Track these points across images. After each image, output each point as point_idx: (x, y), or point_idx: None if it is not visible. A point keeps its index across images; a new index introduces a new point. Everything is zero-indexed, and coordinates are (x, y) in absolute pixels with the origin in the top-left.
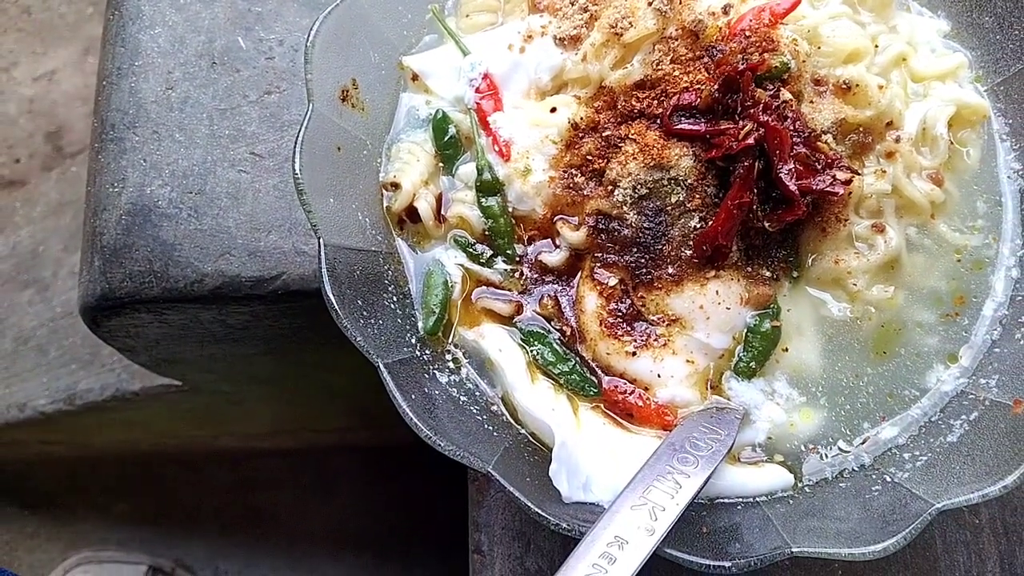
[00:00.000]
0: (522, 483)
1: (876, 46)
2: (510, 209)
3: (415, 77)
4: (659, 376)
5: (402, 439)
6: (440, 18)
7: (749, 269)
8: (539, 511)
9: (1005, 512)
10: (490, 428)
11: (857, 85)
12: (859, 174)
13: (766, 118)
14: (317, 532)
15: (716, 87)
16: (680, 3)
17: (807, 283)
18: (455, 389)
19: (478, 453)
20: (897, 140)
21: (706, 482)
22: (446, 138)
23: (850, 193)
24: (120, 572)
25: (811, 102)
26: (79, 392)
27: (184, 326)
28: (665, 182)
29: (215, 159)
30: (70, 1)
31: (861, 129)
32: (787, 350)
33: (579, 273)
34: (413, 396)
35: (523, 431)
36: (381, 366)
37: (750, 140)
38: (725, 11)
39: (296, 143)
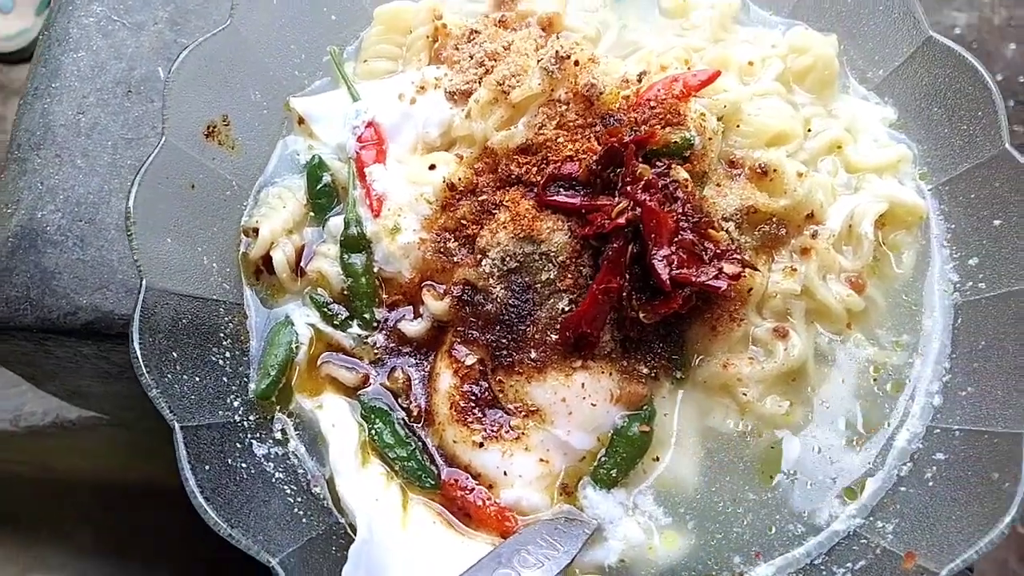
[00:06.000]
0: None
1: (809, 130)
2: (375, 269)
3: (301, 120)
4: (506, 474)
5: None
6: (337, 60)
7: (624, 363)
8: None
9: None
10: (300, 513)
11: (774, 170)
12: (756, 269)
13: (644, 197)
14: None
15: (596, 159)
16: (576, 65)
17: (691, 386)
18: (272, 464)
19: (275, 539)
20: (814, 235)
21: None
22: (319, 186)
23: (750, 289)
24: None
25: (718, 184)
26: (24, 414)
27: (72, 359)
28: (536, 257)
29: (112, 189)
30: None
31: (775, 219)
32: (658, 459)
33: (438, 348)
34: (207, 467)
35: (342, 520)
36: (177, 428)
37: (622, 220)
38: (640, 78)
39: (136, 176)
